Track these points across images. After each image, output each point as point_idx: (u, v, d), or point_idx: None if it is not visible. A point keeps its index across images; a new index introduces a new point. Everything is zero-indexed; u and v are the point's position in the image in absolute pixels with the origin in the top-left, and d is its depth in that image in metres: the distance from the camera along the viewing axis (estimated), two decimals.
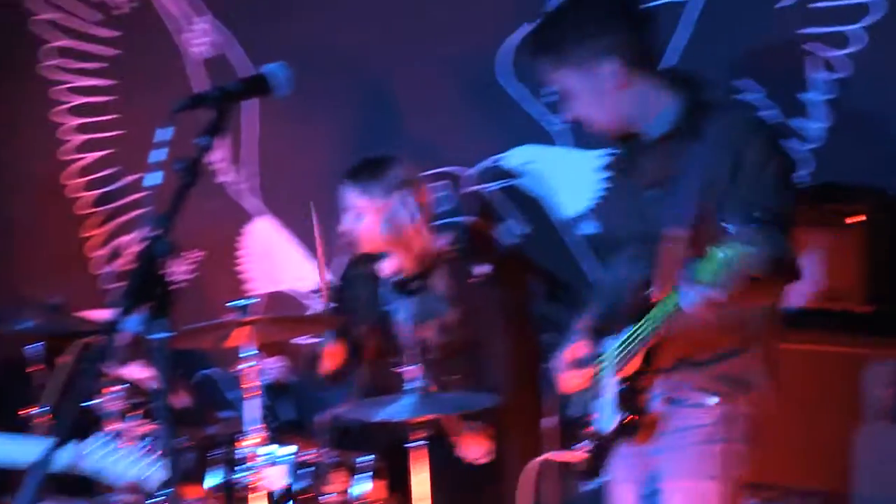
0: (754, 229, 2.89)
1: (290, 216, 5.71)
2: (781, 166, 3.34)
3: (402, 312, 4.67)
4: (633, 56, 3.47)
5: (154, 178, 2.52)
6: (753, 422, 3.45)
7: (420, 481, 4.12)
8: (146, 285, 2.48)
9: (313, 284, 5.52)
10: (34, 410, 4.68)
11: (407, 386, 4.13)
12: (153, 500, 4.46)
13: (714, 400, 3.43)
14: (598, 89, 3.48)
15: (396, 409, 4.09)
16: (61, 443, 2.46)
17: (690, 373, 3.44)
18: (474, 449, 4.55)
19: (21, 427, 4.67)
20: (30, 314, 4.82)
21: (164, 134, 2.54)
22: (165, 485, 2.61)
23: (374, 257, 4.75)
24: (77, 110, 6.09)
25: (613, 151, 3.77)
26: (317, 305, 5.55)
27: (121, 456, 3.35)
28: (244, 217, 5.79)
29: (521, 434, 4.66)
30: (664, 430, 3.47)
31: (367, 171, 4.64)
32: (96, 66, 6.03)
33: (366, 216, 4.63)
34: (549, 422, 4.47)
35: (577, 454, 3.71)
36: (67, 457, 3.13)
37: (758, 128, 3.42)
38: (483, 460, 4.55)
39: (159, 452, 3.37)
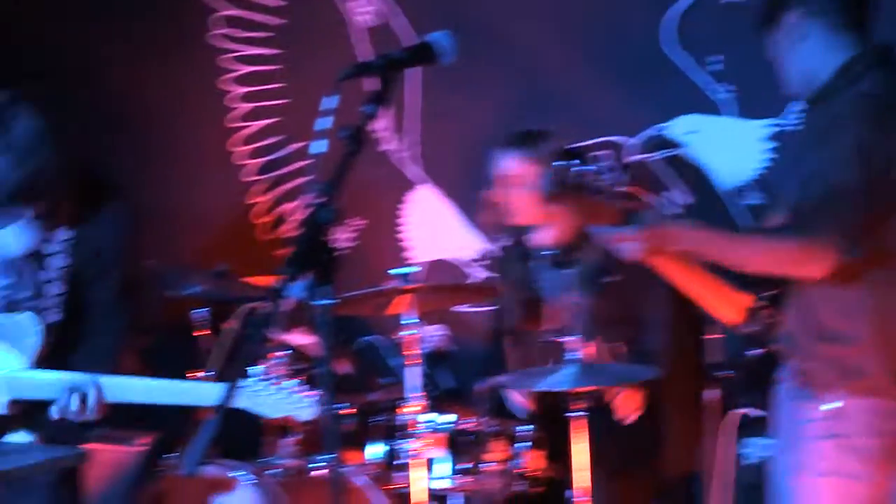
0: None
1: (451, 185, 5.74)
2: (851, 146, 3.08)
3: (558, 283, 4.66)
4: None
5: (319, 146, 2.56)
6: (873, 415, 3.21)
7: (580, 451, 4.13)
8: (311, 252, 2.52)
9: (474, 253, 5.55)
10: (200, 374, 4.79)
11: (566, 356, 4.13)
12: (315, 465, 4.58)
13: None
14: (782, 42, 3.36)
15: (557, 380, 4.09)
16: (234, 380, 2.52)
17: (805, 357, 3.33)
18: (627, 405, 4.50)
19: None
20: (196, 280, 4.93)
21: (329, 102, 2.57)
22: (327, 450, 2.65)
23: (527, 227, 4.74)
24: (243, 79, 6.19)
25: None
26: (478, 274, 5.57)
27: (274, 392, 3.42)
28: (407, 185, 5.83)
29: (682, 404, 4.62)
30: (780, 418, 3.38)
31: (527, 140, 4.63)
32: (263, 35, 6.12)
33: (525, 185, 4.62)
34: (710, 392, 4.44)
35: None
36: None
37: (858, 107, 3.16)
38: (634, 416, 4.50)
39: (311, 390, 3.43)
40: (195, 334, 5.00)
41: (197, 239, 6.11)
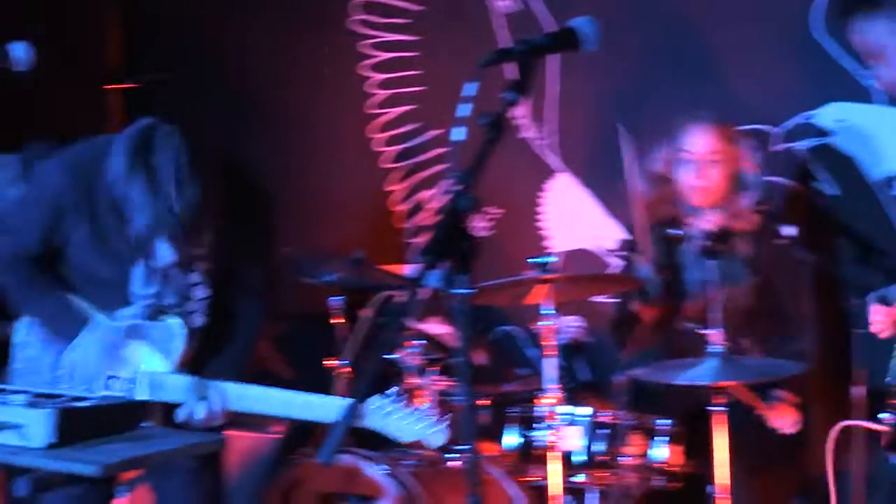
0: None
1: (589, 173, 5.70)
2: None
3: (703, 273, 4.60)
4: None
5: (459, 134, 2.55)
6: None
7: (720, 447, 4.07)
8: (449, 241, 2.51)
9: (613, 242, 5.50)
10: (337, 362, 4.82)
11: (708, 349, 4.08)
12: (451, 456, 4.58)
13: None
14: None
15: (698, 373, 4.04)
16: (361, 398, 2.52)
17: None
18: (783, 419, 4.45)
19: (325, 378, 4.82)
20: (333, 267, 4.96)
21: (470, 89, 2.56)
22: (463, 441, 2.64)
23: (689, 210, 4.68)
24: (382, 66, 6.21)
25: None
26: (617, 264, 5.52)
27: (405, 415, 3.43)
28: (545, 173, 5.80)
29: (827, 402, 4.54)
30: None
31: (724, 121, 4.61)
32: (402, 22, 6.13)
33: (714, 167, 4.58)
34: (857, 390, 4.34)
35: (882, 425, 3.59)
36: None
37: None
38: (791, 430, 4.44)
39: (443, 415, 3.44)
40: (331, 322, 5.03)
41: (334, 226, 6.15)
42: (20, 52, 3.50)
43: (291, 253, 5.01)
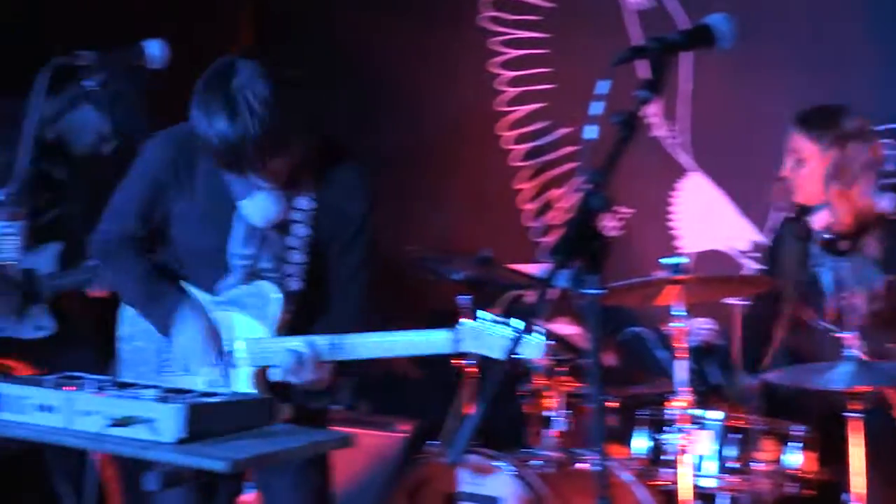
0: None
1: (722, 173, 5.64)
2: None
3: (832, 274, 4.53)
4: None
5: (591, 132, 2.53)
6: None
7: (856, 455, 4.00)
8: (579, 240, 2.49)
9: (746, 243, 5.44)
10: (464, 362, 4.83)
11: (843, 353, 4.01)
12: (579, 458, 4.56)
13: None
14: None
15: (833, 377, 3.97)
16: (488, 399, 2.51)
17: None
18: None
19: (452, 377, 4.83)
20: (460, 265, 4.97)
21: (602, 86, 2.54)
22: (593, 444, 2.63)
23: (806, 212, 4.61)
24: (511, 63, 6.21)
25: None
26: (751, 265, 5.46)
27: (500, 330, 3.39)
28: (677, 172, 5.75)
29: None
30: None
31: (819, 117, 4.52)
32: (533, 19, 6.13)
33: (809, 163, 4.51)
34: None
35: None
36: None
37: None
38: None
39: (537, 329, 3.37)
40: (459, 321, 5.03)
41: (462, 224, 6.17)
42: (155, 50, 3.56)
43: (419, 250, 5.03)
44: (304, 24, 6.58)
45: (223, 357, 3.57)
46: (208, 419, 3.07)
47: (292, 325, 3.61)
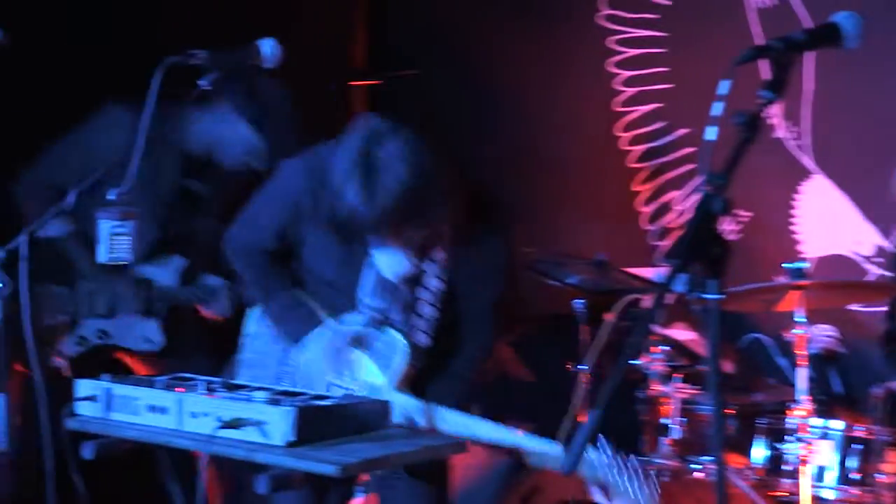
0: None
1: (845, 176, 5.53)
2: None
3: None
4: None
5: (711, 133, 2.49)
6: None
7: None
8: (699, 244, 2.45)
9: (870, 248, 5.34)
10: (578, 367, 4.79)
11: None
12: (696, 466, 4.51)
13: None
14: None
15: None
16: (603, 405, 2.47)
17: None
18: None
19: (565, 383, 4.80)
20: (576, 269, 4.93)
21: (723, 86, 2.50)
22: (711, 452, 2.59)
23: None
24: (629, 62, 6.16)
25: None
26: (875, 271, 5.35)
27: (617, 476, 3.36)
28: (799, 175, 5.66)
29: None
30: None
31: None
32: (650, 17, 6.07)
33: None
34: None
35: None
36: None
37: None
38: None
39: (645, 481, 3.36)
40: (574, 325, 5.00)
41: (578, 227, 6.13)
42: (269, 49, 3.57)
43: (534, 254, 5.00)
44: (419, 24, 6.59)
45: (336, 390, 3.57)
46: (320, 422, 3.07)
47: (414, 380, 3.60)
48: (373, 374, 3.58)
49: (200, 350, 4.63)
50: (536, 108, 6.31)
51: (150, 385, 3.24)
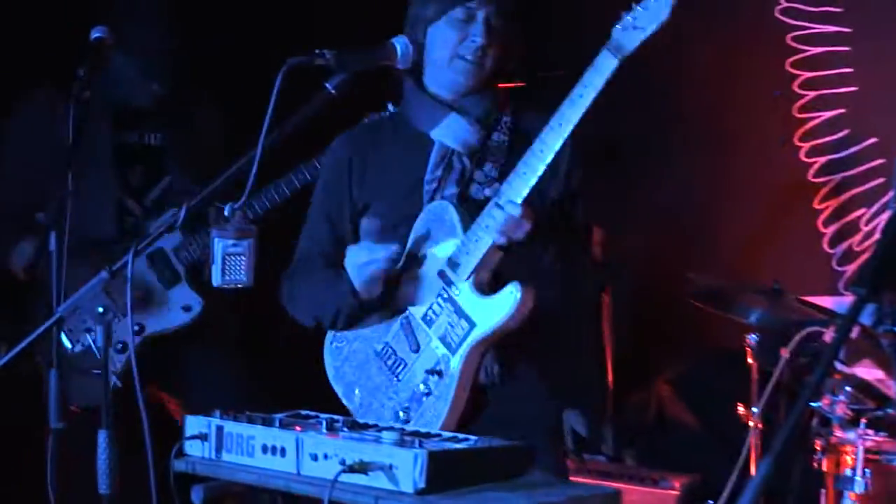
0: None
1: None
2: None
3: None
4: None
5: None
6: None
7: None
8: (889, 269, 2.41)
9: None
10: (749, 409, 4.75)
11: None
12: None
13: None
14: None
15: None
16: (777, 454, 2.44)
17: None
18: None
19: (733, 427, 4.76)
20: (748, 298, 4.89)
21: None
22: None
23: None
24: (806, 62, 6.09)
25: None
26: None
27: None
28: None
29: None
30: None
31: None
32: (833, 11, 6.00)
33: None
34: None
35: None
36: None
37: None
38: None
39: None
40: (745, 362, 4.95)
41: (750, 250, 6.07)
42: (403, 48, 3.61)
43: (702, 279, 4.97)
44: (567, 24, 6.59)
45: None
46: (453, 467, 3.07)
47: None
48: (445, 248, 3.66)
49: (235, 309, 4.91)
50: (710, 108, 6.25)
51: (266, 423, 3.27)
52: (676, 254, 6.04)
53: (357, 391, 3.80)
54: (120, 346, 4.67)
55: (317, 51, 3.51)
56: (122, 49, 4.69)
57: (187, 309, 4.86)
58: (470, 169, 3.73)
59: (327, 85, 3.55)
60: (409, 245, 3.73)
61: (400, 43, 3.67)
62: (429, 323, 3.68)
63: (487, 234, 3.53)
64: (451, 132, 3.73)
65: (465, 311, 3.60)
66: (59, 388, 3.59)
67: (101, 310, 3.34)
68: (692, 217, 6.15)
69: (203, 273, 4.83)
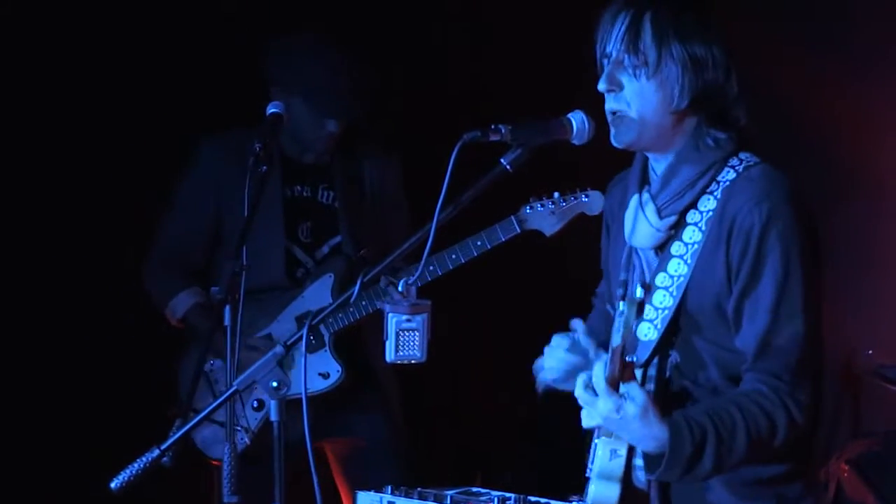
0: None
1: None
2: None
3: None
4: None
5: None
6: None
7: None
8: None
9: None
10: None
11: None
12: None
13: None
14: None
15: None
16: None
17: None
18: None
19: None
20: None
21: None
22: None
23: None
24: None
25: None
26: None
27: None
28: None
29: None
30: None
31: None
32: None
33: None
34: None
35: None
36: None
37: None
38: None
39: None
40: None
41: None
42: (580, 123, 3.57)
43: (875, 356, 4.88)
44: None
45: None
46: None
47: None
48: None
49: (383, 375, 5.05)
50: (838, 137, 6.04)
51: (439, 500, 3.26)
52: (848, 323, 5.75)
53: None
54: (256, 403, 4.76)
55: (492, 126, 3.51)
56: (297, 90, 4.89)
57: (325, 376, 4.94)
58: None
59: (503, 161, 3.55)
60: None
61: (576, 118, 3.64)
62: None
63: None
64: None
65: None
66: (233, 463, 3.64)
67: (275, 384, 3.37)
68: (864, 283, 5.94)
69: (344, 341, 5.00)
